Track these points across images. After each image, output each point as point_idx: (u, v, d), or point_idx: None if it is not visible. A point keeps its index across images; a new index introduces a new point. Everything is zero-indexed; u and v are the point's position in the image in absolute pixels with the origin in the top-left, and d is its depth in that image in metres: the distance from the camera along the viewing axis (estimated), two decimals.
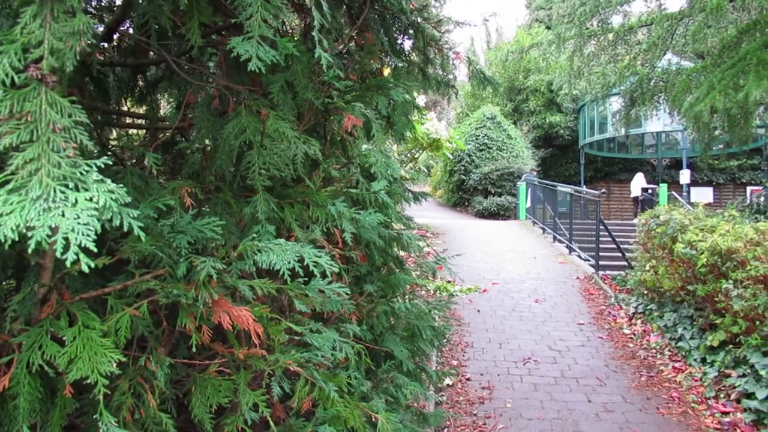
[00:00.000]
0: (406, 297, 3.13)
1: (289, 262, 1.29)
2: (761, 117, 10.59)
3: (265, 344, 1.63)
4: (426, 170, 25.47)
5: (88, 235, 0.86)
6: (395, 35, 3.03)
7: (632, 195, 20.51)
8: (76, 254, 0.86)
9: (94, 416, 1.10)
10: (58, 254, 0.83)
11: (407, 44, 3.13)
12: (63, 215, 0.86)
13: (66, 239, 0.85)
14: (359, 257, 2.33)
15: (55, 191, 0.88)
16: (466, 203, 23.90)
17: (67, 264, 0.85)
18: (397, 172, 1.91)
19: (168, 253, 1.28)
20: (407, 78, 3.12)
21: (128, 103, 2.91)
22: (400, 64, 2.89)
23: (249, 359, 1.42)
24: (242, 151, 1.65)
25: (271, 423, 1.33)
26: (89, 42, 0.93)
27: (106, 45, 2.67)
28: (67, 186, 0.90)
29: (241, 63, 1.91)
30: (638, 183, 19.89)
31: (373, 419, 1.62)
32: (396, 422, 1.68)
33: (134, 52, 2.66)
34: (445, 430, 4.86)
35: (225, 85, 1.82)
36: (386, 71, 3.08)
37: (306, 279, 1.49)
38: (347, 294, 1.52)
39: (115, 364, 1.09)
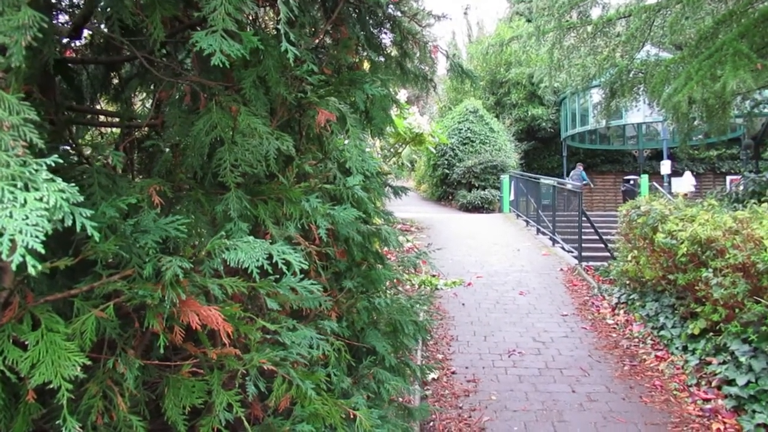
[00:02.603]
0: (390, 292, 3.11)
1: (257, 260, 1.27)
2: (739, 107, 10.71)
3: (242, 343, 1.61)
4: (410, 165, 25.44)
5: (36, 237, 0.83)
6: (372, 29, 3.01)
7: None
8: (23, 256, 0.83)
9: (56, 422, 1.08)
10: (3, 256, 0.81)
11: (385, 38, 3.11)
12: (11, 216, 0.83)
13: (12, 241, 0.82)
14: (338, 253, 2.31)
15: (3, 191, 0.85)
16: (450, 197, 23.94)
17: (13, 267, 0.82)
18: (373, 167, 1.89)
19: (138, 252, 1.25)
20: (385, 72, 3.10)
21: (103, 101, 2.86)
22: (377, 59, 2.87)
23: (222, 359, 1.40)
24: (214, 148, 1.62)
25: (246, 423, 1.31)
26: (34, 36, 0.89)
27: (77, 42, 2.63)
28: (15, 186, 0.86)
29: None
30: (687, 181, 19.99)
31: (352, 416, 1.60)
32: (375, 418, 1.67)
33: (107, 49, 2.61)
34: (431, 423, 4.86)
35: (196, 81, 1.79)
36: (367, 65, 3.07)
37: (278, 276, 1.47)
38: (320, 291, 1.51)
39: (79, 368, 1.06)
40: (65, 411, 1.05)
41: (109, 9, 1.41)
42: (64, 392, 1.04)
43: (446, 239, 13.66)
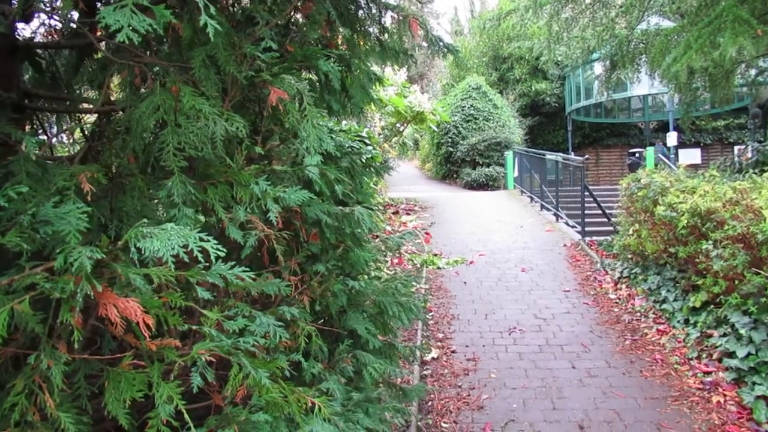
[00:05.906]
0: (390, 273, 3.06)
1: (173, 248, 1.22)
2: (743, 75, 10.47)
3: (200, 334, 1.57)
4: (413, 144, 25.27)
5: None
6: (348, 4, 2.92)
7: None
8: None
9: None
10: None
11: (361, 13, 3.02)
12: None
13: None
14: (310, 236, 2.26)
15: None
16: (455, 175, 23.76)
17: None
18: (330, 145, 1.82)
19: (62, 243, 1.20)
20: (365, 49, 3.02)
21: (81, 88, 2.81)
22: (350, 35, 2.78)
23: (162, 350, 1.36)
24: (163, 130, 1.56)
25: (186, 416, 1.27)
26: None
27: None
28: None
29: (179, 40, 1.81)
30: None
31: (311, 403, 1.56)
32: (335, 407, 1.62)
33: (77, 34, 2.55)
34: (430, 402, 4.85)
35: (150, 63, 1.73)
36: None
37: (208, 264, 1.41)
38: (251, 277, 1.45)
39: None
40: None
41: None
42: None
43: (449, 218, 13.60)
